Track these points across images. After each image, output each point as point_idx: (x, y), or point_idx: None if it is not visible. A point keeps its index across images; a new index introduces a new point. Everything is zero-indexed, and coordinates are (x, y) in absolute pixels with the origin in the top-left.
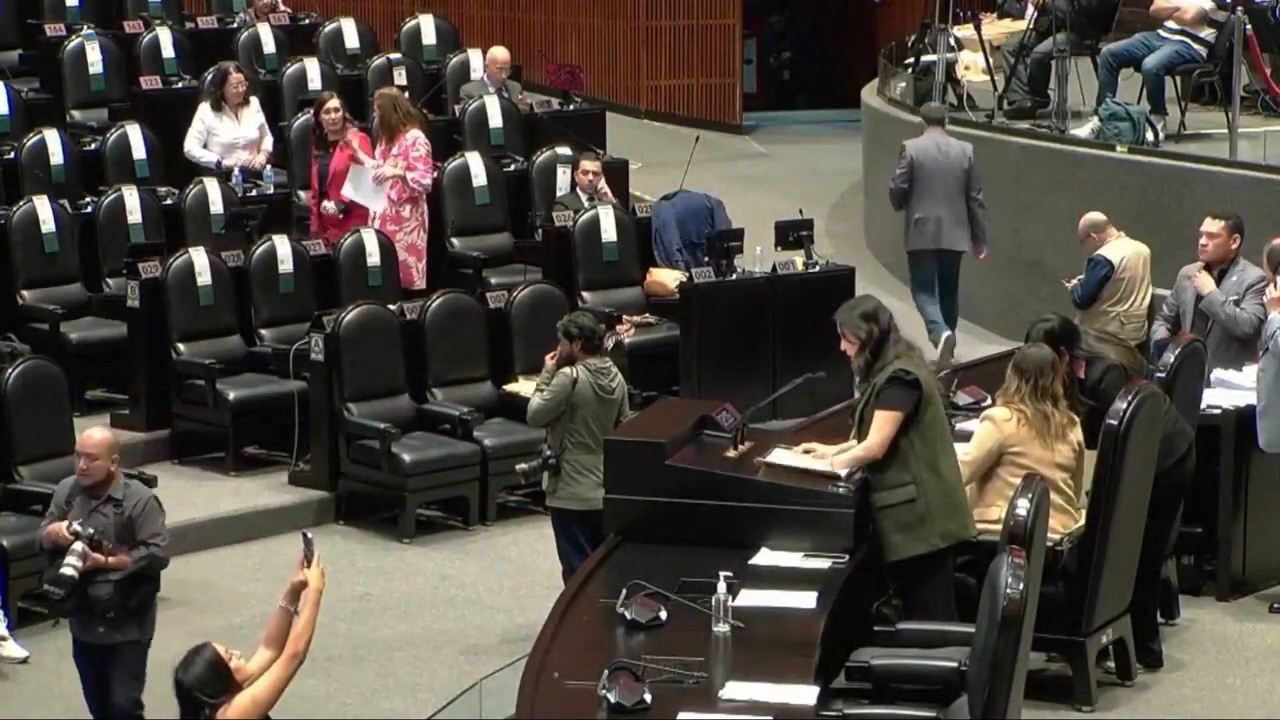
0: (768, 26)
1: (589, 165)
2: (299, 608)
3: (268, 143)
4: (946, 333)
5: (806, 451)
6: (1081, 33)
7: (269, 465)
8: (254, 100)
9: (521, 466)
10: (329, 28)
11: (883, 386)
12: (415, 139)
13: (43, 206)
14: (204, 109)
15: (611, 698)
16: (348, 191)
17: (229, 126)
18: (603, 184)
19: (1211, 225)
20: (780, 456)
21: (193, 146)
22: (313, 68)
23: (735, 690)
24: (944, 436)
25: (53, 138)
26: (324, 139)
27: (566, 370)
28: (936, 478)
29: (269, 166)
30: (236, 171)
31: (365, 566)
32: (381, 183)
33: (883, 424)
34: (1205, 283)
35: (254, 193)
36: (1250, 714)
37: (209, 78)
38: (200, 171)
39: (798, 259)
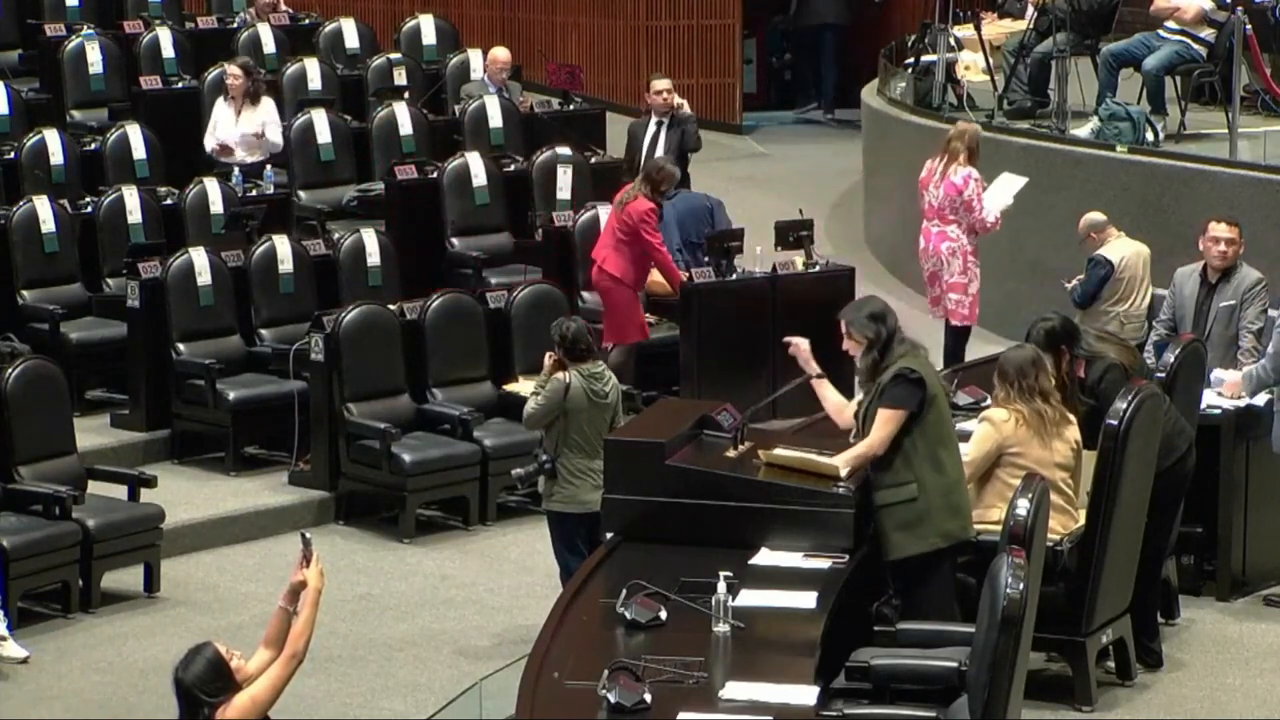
0: (771, 27)
1: (660, 85)
2: (298, 608)
3: (271, 142)
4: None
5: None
6: (1081, 33)
7: (269, 465)
8: (266, 100)
9: (517, 472)
10: (329, 28)
11: (887, 384)
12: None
13: (43, 206)
14: (218, 102)
15: (611, 698)
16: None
17: (229, 121)
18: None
19: (1229, 231)
20: (783, 453)
21: (209, 140)
22: (313, 68)
23: (735, 690)
24: (948, 436)
25: (53, 138)
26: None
27: (559, 376)
28: (939, 477)
29: (269, 167)
30: (236, 172)
31: (365, 566)
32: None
33: (885, 422)
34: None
35: (254, 193)
36: (1250, 714)
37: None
38: (201, 171)
39: (798, 259)
